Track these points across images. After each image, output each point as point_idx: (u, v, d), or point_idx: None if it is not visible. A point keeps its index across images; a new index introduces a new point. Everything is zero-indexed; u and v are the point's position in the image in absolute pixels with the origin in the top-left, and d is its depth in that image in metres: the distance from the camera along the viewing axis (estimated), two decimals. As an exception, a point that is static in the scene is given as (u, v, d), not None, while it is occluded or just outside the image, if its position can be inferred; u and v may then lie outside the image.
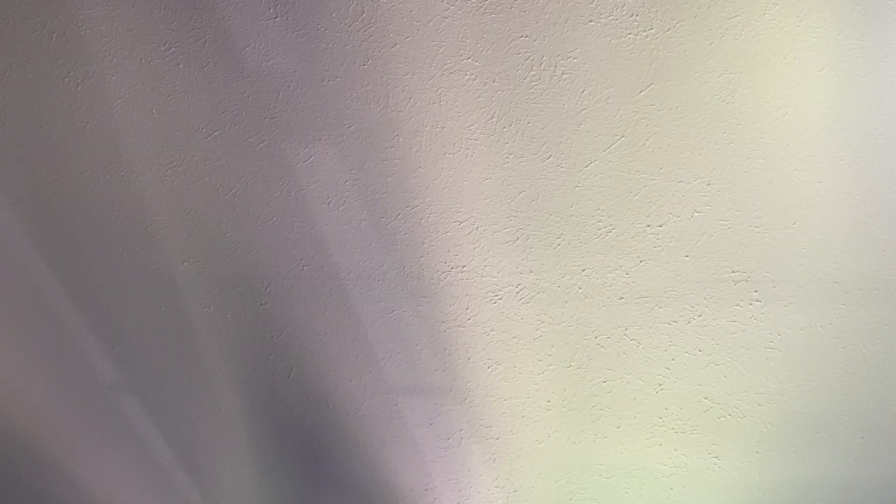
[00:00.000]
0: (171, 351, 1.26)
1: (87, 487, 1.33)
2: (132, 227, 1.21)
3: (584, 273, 1.18)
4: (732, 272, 1.17)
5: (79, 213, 1.21)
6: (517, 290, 1.20)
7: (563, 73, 1.11)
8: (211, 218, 1.20)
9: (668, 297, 1.18)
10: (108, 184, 1.20)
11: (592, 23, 1.08)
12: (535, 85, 1.11)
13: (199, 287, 1.23)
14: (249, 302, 1.23)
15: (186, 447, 1.31)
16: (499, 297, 1.20)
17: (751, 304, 1.18)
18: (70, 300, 1.25)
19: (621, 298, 1.19)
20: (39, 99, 1.17)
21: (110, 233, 1.22)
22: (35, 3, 1.12)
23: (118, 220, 1.21)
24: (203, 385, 1.28)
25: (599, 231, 1.16)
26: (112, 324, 1.26)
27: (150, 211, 1.21)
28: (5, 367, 1.28)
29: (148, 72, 1.15)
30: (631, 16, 1.07)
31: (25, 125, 1.18)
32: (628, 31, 1.08)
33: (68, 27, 1.14)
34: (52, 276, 1.24)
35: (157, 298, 1.24)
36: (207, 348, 1.26)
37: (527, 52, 1.10)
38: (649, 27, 1.08)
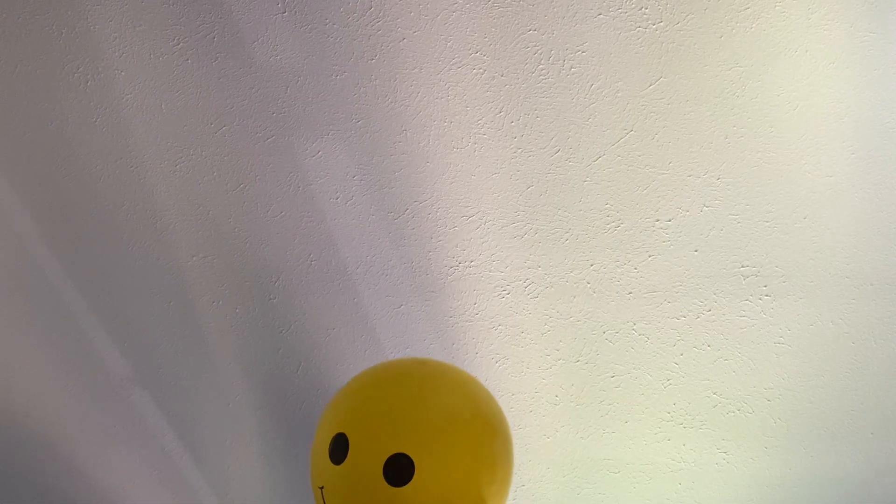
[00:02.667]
0: (180, 345, 1.27)
1: (96, 480, 1.34)
2: (141, 221, 1.22)
3: (592, 268, 1.18)
4: (742, 267, 1.16)
5: (88, 208, 1.22)
6: (525, 284, 1.19)
7: (571, 67, 1.10)
8: (219, 213, 1.21)
9: (676, 292, 1.18)
10: (118, 179, 1.20)
11: (601, 16, 1.07)
12: (543, 79, 1.11)
13: (207, 282, 1.24)
14: (258, 296, 1.24)
15: (195, 440, 1.32)
16: (507, 291, 1.20)
17: (760, 299, 1.17)
18: (79, 295, 1.26)
19: (630, 293, 1.18)
20: (49, 94, 1.17)
21: (119, 227, 1.23)
22: (44, 0, 1.13)
23: (127, 215, 1.22)
24: (212, 379, 1.28)
25: (608, 226, 1.16)
26: (121, 318, 1.27)
27: (158, 206, 1.21)
28: (13, 361, 1.29)
29: (157, 67, 1.15)
30: (640, 8, 1.07)
31: (35, 121, 1.19)
32: (637, 24, 1.07)
33: (78, 23, 1.14)
34: (61, 270, 1.25)
35: (166, 293, 1.25)
36: (216, 343, 1.27)
37: (535, 46, 1.10)
38: (658, 20, 1.07)
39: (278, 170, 1.18)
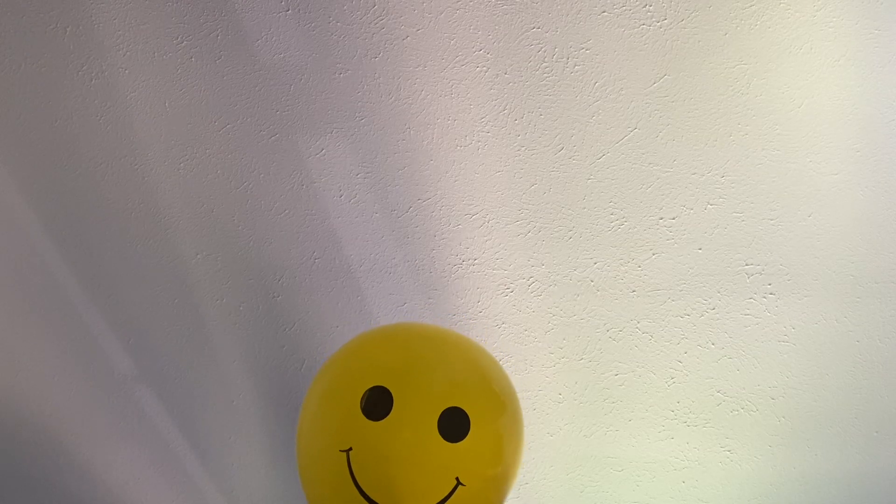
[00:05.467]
0: (185, 343, 1.27)
1: (100, 477, 1.35)
2: (145, 219, 1.22)
3: (596, 266, 1.18)
4: (746, 265, 1.16)
5: (93, 206, 1.22)
6: (529, 282, 1.19)
7: (575, 65, 1.10)
8: (224, 211, 1.21)
9: (680, 290, 1.17)
10: (122, 176, 1.21)
11: (605, 13, 1.07)
12: (547, 77, 1.11)
13: (211, 279, 1.24)
14: (262, 294, 1.24)
15: (199, 438, 1.32)
16: (510, 289, 1.20)
17: (765, 297, 1.17)
18: (84, 293, 1.26)
19: (633, 291, 1.18)
20: (53, 93, 1.18)
21: (124, 225, 1.23)
22: (49, -2, 1.13)
23: (132, 213, 1.22)
24: (216, 376, 1.29)
25: (612, 223, 1.16)
26: (125, 316, 1.27)
27: (163, 204, 1.21)
28: (18, 358, 1.29)
29: (161, 65, 1.15)
30: (644, 6, 1.06)
31: (40, 119, 1.19)
32: (642, 22, 1.07)
33: (82, 21, 1.15)
34: (66, 268, 1.25)
35: (171, 291, 1.25)
36: (220, 340, 1.27)
37: (539, 44, 1.10)
38: (663, 17, 1.07)
39: (282, 168, 1.18)
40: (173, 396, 1.30)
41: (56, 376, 1.30)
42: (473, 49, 1.11)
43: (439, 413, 0.70)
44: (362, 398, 0.72)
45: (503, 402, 0.77)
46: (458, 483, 0.70)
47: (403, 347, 0.80)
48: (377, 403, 0.71)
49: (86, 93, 1.17)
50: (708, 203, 1.14)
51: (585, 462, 1.27)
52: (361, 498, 0.69)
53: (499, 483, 0.75)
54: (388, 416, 0.70)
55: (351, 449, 0.71)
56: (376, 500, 0.69)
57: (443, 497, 0.70)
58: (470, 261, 1.19)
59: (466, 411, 0.71)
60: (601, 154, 1.13)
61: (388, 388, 0.71)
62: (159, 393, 1.30)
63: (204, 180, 1.20)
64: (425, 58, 1.12)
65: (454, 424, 0.70)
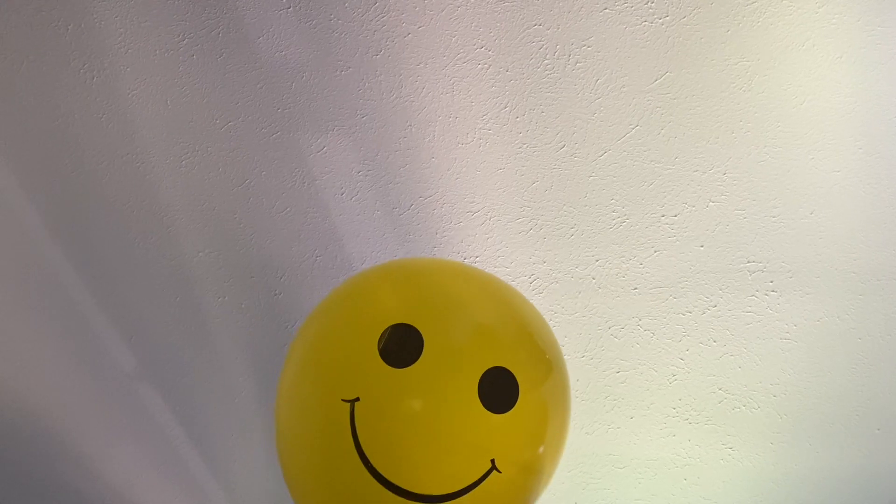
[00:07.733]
0: (187, 341, 1.28)
1: (102, 474, 1.35)
2: (147, 217, 1.22)
3: (597, 263, 1.18)
4: (748, 262, 1.16)
5: (94, 204, 1.22)
6: (530, 280, 1.19)
7: (577, 62, 1.10)
8: (225, 208, 1.21)
9: (682, 288, 1.18)
10: (123, 175, 1.21)
11: (607, 10, 1.07)
12: (548, 74, 1.11)
13: (213, 277, 1.24)
14: (263, 292, 1.24)
15: (201, 435, 1.33)
16: (512, 287, 1.20)
17: (766, 295, 1.17)
18: (86, 290, 1.26)
19: (635, 289, 1.18)
20: (55, 90, 1.18)
21: (125, 223, 1.23)
22: (50, -5, 1.13)
23: (133, 211, 1.22)
24: (218, 374, 1.29)
25: (613, 221, 1.16)
26: (127, 314, 1.27)
27: (164, 201, 1.22)
28: (20, 356, 1.30)
29: (162, 63, 1.15)
30: (646, 3, 1.06)
31: (41, 117, 1.19)
32: (644, 19, 1.07)
33: (83, 19, 1.15)
34: (68, 266, 1.25)
35: (173, 289, 1.25)
36: (222, 338, 1.27)
37: (540, 41, 1.09)
38: (665, 14, 1.06)
39: (283, 165, 1.18)
40: (175, 394, 1.30)
41: (58, 374, 1.30)
42: (475, 46, 1.11)
43: (482, 372, 0.52)
44: (381, 336, 0.54)
45: (548, 361, 0.59)
46: (493, 467, 0.52)
47: (435, 282, 0.60)
48: (401, 345, 0.53)
49: (87, 91, 1.17)
50: (710, 200, 1.14)
51: (587, 459, 1.27)
52: (360, 464, 0.50)
53: (540, 471, 0.59)
54: (414, 364, 0.52)
55: (358, 399, 0.51)
56: (378, 470, 0.50)
57: (470, 483, 0.52)
58: (472, 258, 1.19)
59: (515, 374, 0.53)
60: (603, 151, 1.13)
61: (416, 327, 0.53)
62: (161, 390, 1.30)
63: (205, 178, 1.20)
64: (427, 55, 1.12)
65: (499, 390, 0.53)
